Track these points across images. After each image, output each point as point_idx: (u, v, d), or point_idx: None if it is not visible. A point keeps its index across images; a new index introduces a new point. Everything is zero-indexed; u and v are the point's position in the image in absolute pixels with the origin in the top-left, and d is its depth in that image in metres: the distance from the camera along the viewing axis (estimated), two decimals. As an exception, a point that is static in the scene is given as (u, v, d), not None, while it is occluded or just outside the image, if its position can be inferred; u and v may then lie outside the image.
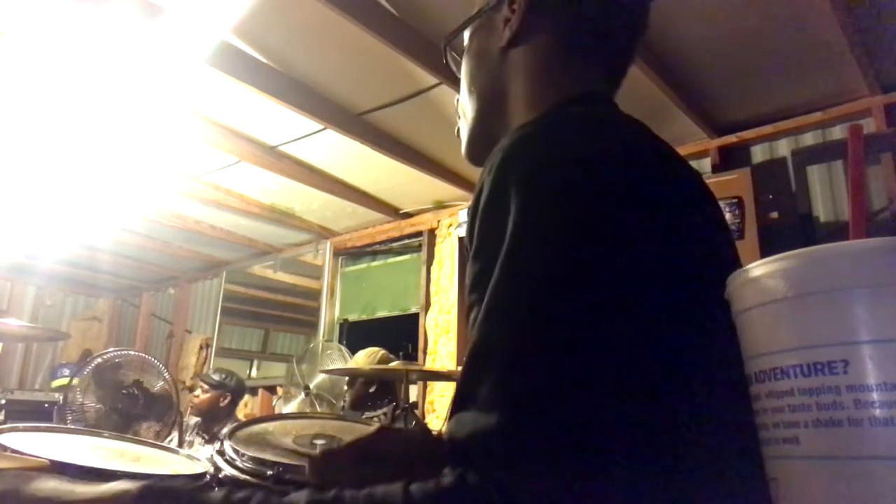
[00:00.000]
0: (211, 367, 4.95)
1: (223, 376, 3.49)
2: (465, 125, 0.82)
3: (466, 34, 0.82)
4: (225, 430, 3.41)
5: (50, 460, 0.96)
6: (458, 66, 0.84)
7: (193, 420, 3.52)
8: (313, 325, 4.50)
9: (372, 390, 2.87)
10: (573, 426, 0.44)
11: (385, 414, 2.73)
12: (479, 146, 0.80)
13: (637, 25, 0.78)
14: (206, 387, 3.44)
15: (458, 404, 0.50)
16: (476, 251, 0.56)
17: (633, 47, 0.78)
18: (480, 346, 0.50)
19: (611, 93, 0.76)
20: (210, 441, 3.37)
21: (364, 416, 2.80)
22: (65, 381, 4.53)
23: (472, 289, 0.55)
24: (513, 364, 0.47)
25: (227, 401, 3.44)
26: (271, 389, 4.56)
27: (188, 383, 4.95)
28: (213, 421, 3.42)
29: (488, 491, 0.44)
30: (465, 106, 0.81)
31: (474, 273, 0.55)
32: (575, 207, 0.52)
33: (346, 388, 3.03)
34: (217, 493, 0.50)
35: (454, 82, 0.85)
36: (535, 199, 0.52)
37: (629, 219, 0.52)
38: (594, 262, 0.50)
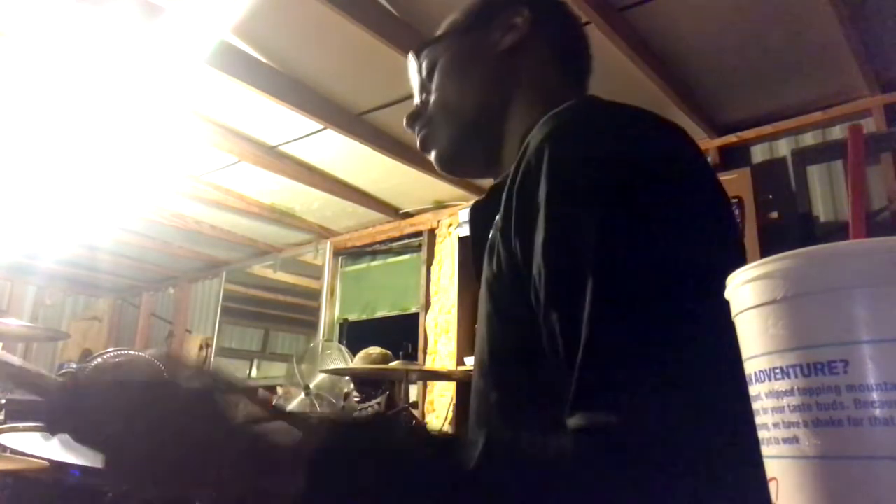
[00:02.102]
0: (211, 367, 4.95)
1: None
2: (447, 129, 0.79)
3: (443, 45, 0.81)
4: None
5: (50, 460, 0.96)
6: (426, 75, 0.82)
7: None
8: (313, 325, 4.50)
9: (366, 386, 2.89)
10: (700, 424, 0.46)
11: (379, 404, 2.73)
12: (464, 152, 0.80)
13: (588, 48, 0.84)
14: None
15: (586, 402, 0.49)
16: (550, 240, 0.53)
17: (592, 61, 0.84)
18: (603, 350, 0.49)
19: None
20: None
21: (359, 410, 2.81)
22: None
23: (555, 276, 0.53)
24: (640, 368, 0.48)
25: None
26: (271, 389, 4.56)
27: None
28: None
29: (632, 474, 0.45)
30: (451, 109, 0.79)
31: (551, 256, 0.53)
32: (660, 197, 0.53)
33: (346, 397, 3.04)
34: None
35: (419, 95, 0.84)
36: (620, 190, 0.53)
37: (713, 212, 0.55)
38: (693, 257, 0.51)
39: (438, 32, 0.83)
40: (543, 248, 0.53)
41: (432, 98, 0.81)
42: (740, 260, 0.57)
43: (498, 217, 0.64)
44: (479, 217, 0.74)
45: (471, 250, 0.75)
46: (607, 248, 0.50)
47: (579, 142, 0.56)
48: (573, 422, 0.49)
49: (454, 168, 0.82)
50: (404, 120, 0.85)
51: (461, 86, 0.79)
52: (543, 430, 0.53)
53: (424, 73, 0.83)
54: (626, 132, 0.57)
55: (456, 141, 0.79)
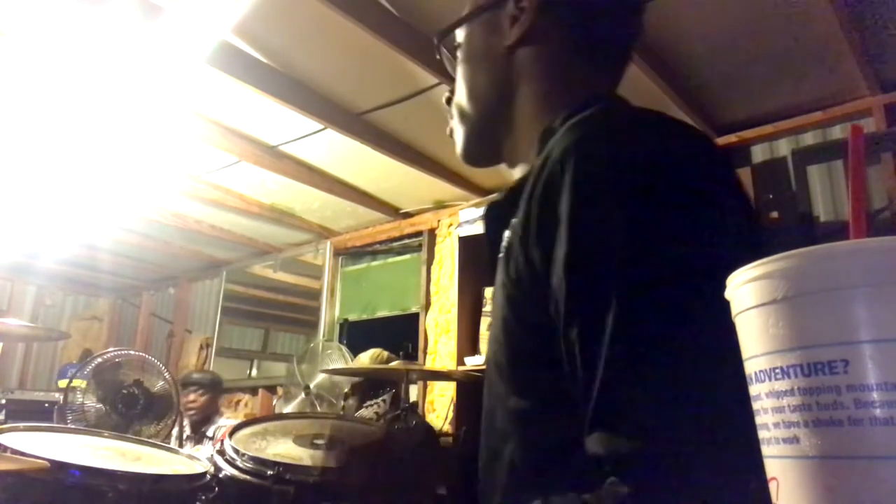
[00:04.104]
0: (211, 367, 4.95)
1: (210, 375, 3.57)
2: (462, 125, 0.79)
3: (461, 31, 0.79)
4: (213, 429, 3.44)
5: (50, 460, 0.96)
6: (452, 63, 0.81)
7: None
8: (313, 325, 4.50)
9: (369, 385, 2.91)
10: (726, 439, 0.45)
11: (384, 400, 2.75)
12: (480, 147, 0.80)
13: (635, 27, 0.78)
14: (201, 390, 3.47)
15: (603, 420, 0.48)
16: (572, 254, 0.52)
17: (631, 49, 0.78)
18: (623, 367, 0.48)
19: (615, 90, 0.77)
20: (199, 441, 3.41)
21: (364, 406, 2.82)
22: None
23: (576, 290, 0.52)
24: (662, 384, 0.47)
25: (219, 399, 3.52)
26: (271, 389, 4.56)
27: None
28: (204, 422, 3.47)
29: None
30: (463, 105, 0.79)
31: (572, 270, 0.52)
32: (688, 211, 0.51)
33: (346, 397, 3.05)
34: None
35: (451, 81, 0.82)
36: (645, 204, 0.51)
37: (730, 218, 0.53)
38: (720, 274, 0.49)
39: (464, 11, 0.80)
40: (565, 263, 0.52)
41: (456, 87, 0.81)
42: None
43: (515, 221, 0.62)
44: (495, 217, 0.72)
45: (486, 250, 0.73)
46: (631, 266, 0.49)
47: (603, 155, 0.55)
48: (591, 443, 0.48)
49: (472, 163, 0.83)
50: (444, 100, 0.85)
51: (472, 81, 0.77)
52: (563, 440, 0.53)
53: (452, 55, 0.82)
54: (650, 145, 0.55)
55: (469, 138, 0.79)
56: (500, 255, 0.66)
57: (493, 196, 0.72)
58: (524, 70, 0.73)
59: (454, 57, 0.80)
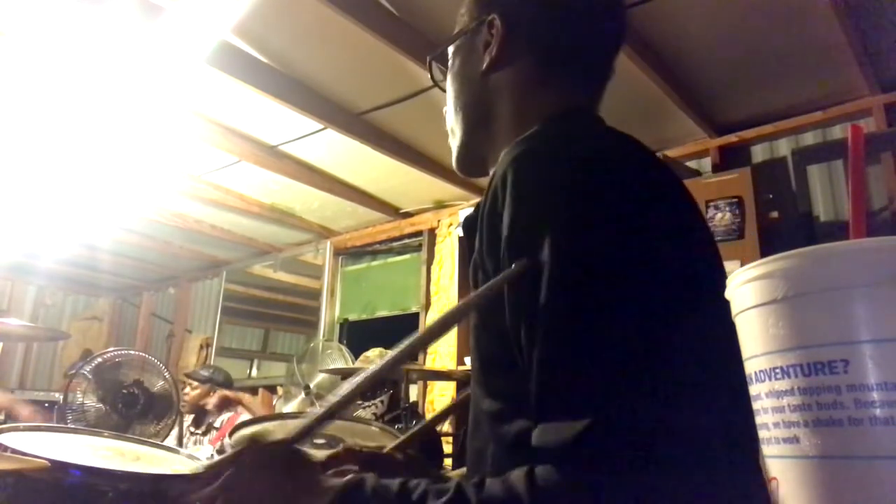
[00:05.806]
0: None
1: (210, 371, 3.63)
2: (452, 139, 0.85)
3: (450, 50, 0.85)
4: (220, 420, 3.46)
5: (50, 460, 0.96)
6: (444, 78, 0.87)
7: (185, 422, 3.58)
8: (313, 325, 4.50)
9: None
10: (653, 430, 0.47)
11: (382, 401, 2.75)
12: (468, 160, 0.84)
13: (613, 39, 0.80)
14: (195, 383, 3.55)
15: (543, 413, 0.52)
16: (512, 256, 0.57)
17: (611, 59, 0.79)
18: (556, 362, 0.52)
19: (595, 103, 0.79)
20: (207, 432, 3.44)
21: (362, 405, 2.83)
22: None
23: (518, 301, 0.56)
24: (592, 375, 0.50)
25: (215, 394, 3.55)
26: (271, 389, 4.56)
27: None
28: (203, 414, 3.51)
29: (589, 488, 0.47)
30: (451, 122, 0.84)
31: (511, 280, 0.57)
32: (610, 215, 0.55)
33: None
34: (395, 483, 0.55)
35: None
36: (568, 211, 0.55)
37: (657, 221, 0.56)
38: (645, 270, 0.52)
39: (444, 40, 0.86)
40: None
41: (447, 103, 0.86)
42: (711, 262, 0.58)
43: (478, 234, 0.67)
44: (469, 230, 0.76)
45: (467, 262, 0.77)
46: (562, 269, 0.53)
47: (537, 171, 0.59)
48: (534, 436, 0.52)
49: (465, 174, 0.87)
50: None
51: (456, 101, 0.82)
52: (527, 437, 0.55)
53: (441, 74, 0.88)
54: (583, 159, 0.59)
55: (458, 152, 0.84)
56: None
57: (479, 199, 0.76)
58: (500, 92, 0.77)
59: (446, 73, 0.86)
